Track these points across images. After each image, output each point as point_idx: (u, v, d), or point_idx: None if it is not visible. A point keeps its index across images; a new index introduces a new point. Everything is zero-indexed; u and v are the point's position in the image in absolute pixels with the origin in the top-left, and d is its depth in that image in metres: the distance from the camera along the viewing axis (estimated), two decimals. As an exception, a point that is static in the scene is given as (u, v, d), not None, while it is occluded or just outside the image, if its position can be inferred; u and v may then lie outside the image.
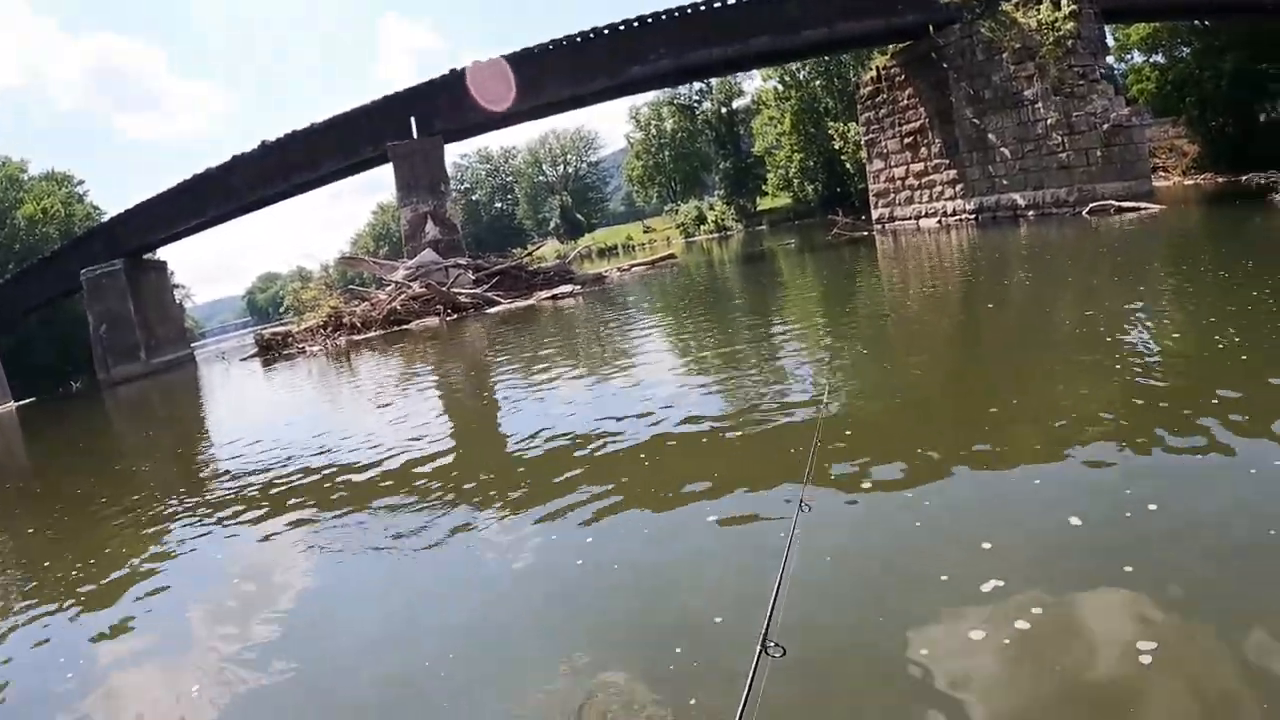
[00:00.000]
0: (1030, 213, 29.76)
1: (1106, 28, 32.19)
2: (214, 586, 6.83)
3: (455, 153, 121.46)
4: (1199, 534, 4.43)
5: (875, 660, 3.82)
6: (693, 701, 3.71)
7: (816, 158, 70.00)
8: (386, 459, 9.90)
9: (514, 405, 12.42)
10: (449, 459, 9.58)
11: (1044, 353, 9.75)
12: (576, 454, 8.44)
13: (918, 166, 36.99)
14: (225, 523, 8.71)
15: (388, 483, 8.83)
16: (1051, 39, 28.17)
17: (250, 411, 20.12)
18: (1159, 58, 42.25)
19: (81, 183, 56.01)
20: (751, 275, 32.73)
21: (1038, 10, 28.76)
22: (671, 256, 49.18)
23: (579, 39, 35.31)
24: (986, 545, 4.60)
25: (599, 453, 8.31)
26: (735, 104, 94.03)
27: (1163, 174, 37.55)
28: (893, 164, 38.99)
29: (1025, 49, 29.13)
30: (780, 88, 73.56)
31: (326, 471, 10.04)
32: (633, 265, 45.31)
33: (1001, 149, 30.99)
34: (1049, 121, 28.70)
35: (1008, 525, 4.94)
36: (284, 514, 8.50)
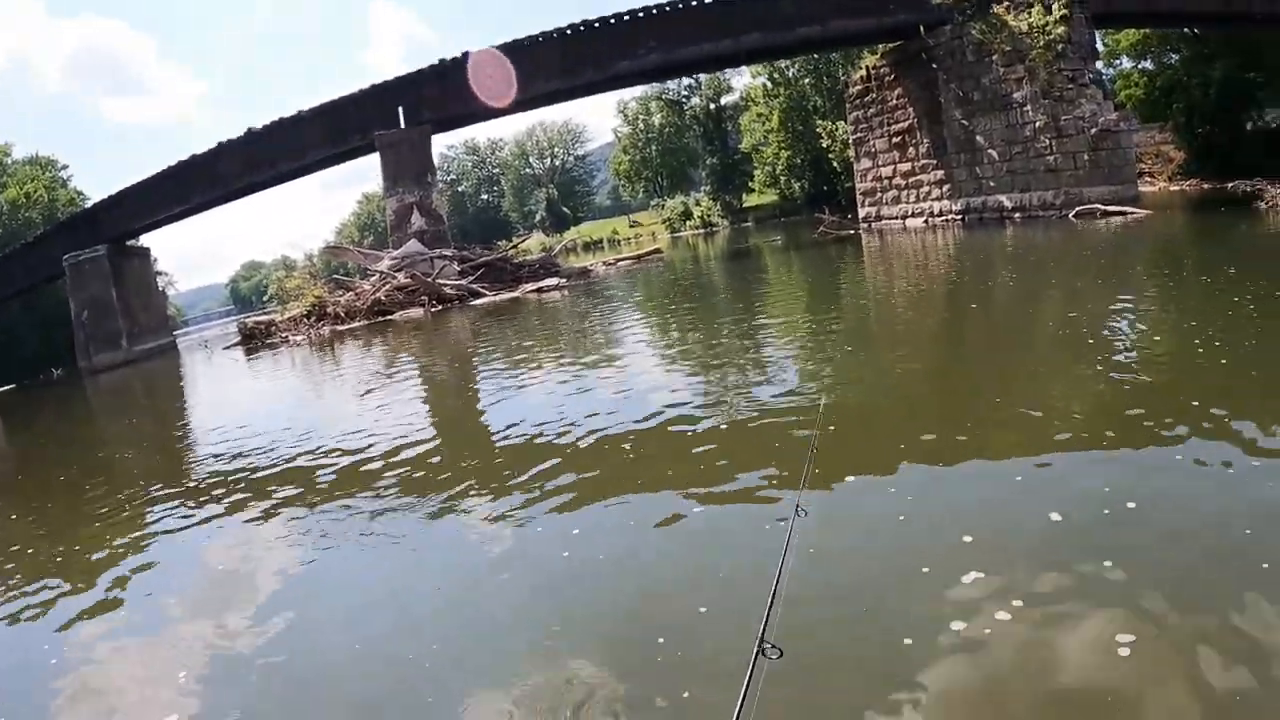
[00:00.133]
0: (1016, 215, 29.87)
1: (1097, 33, 32.35)
2: (198, 574, 6.83)
3: (442, 144, 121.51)
4: (1177, 532, 4.51)
5: (868, 659, 3.87)
6: (686, 695, 3.73)
7: (804, 155, 70.08)
8: (370, 449, 9.88)
9: (498, 397, 12.40)
10: (433, 450, 9.57)
11: (1027, 353, 9.84)
12: (561, 447, 8.43)
13: (905, 166, 37.07)
14: (209, 511, 8.68)
15: (372, 473, 8.81)
16: (1042, 42, 28.28)
17: (233, 400, 20.01)
18: (1148, 64, 42.52)
19: (65, 167, 55.48)
20: (738, 272, 32.75)
21: (1029, 13, 28.89)
22: (657, 252, 49.15)
23: (569, 31, 35.12)
24: (968, 539, 4.65)
25: (584, 446, 8.32)
26: (723, 100, 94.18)
27: (1149, 179, 37.72)
28: (880, 163, 39.07)
29: (1015, 52, 29.22)
30: (769, 85, 73.54)
31: (311, 461, 10.02)
32: (618, 260, 45.33)
33: (989, 151, 31.09)
34: (1037, 124, 28.80)
35: (990, 520, 4.99)
36: (268, 503, 8.48)
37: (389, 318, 32.18)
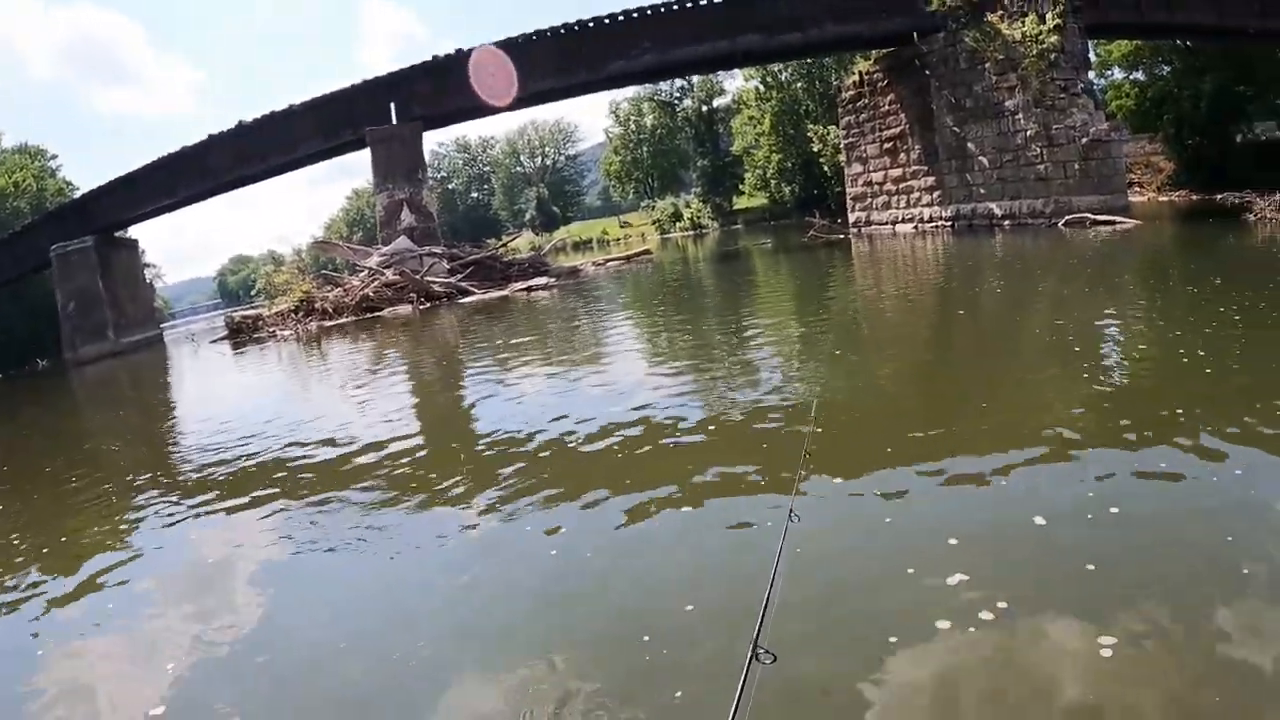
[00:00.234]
0: (1006, 222, 30.00)
1: (1089, 43, 32.50)
2: (181, 570, 6.80)
3: (433, 140, 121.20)
4: (1159, 537, 4.58)
5: (855, 661, 3.88)
6: (679, 694, 3.74)
7: (794, 159, 70.20)
8: (357, 446, 9.87)
9: (486, 395, 12.40)
10: (420, 446, 9.58)
11: (1014, 360, 9.91)
12: (549, 446, 8.45)
13: (896, 172, 37.18)
14: (195, 504, 8.65)
15: (358, 470, 8.81)
16: (1035, 51, 28.42)
17: (220, 395, 19.94)
18: (1139, 75, 42.72)
19: (55, 157, 55.23)
20: (727, 274, 32.79)
21: (1022, 22, 29.02)
22: (647, 253, 49.09)
23: (563, 30, 35.08)
24: (953, 541, 4.69)
25: (571, 445, 8.33)
26: (716, 102, 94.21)
27: (1138, 189, 37.91)
28: (871, 168, 39.15)
29: (1008, 60, 29.38)
30: (761, 88, 73.66)
31: (297, 457, 9.99)
32: (608, 260, 45.27)
33: (980, 158, 31.21)
34: (1028, 133, 28.96)
35: (975, 524, 5.03)
36: (255, 498, 8.44)
37: (377, 314, 32.11)
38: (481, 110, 37.73)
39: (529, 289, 32.35)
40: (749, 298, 21.96)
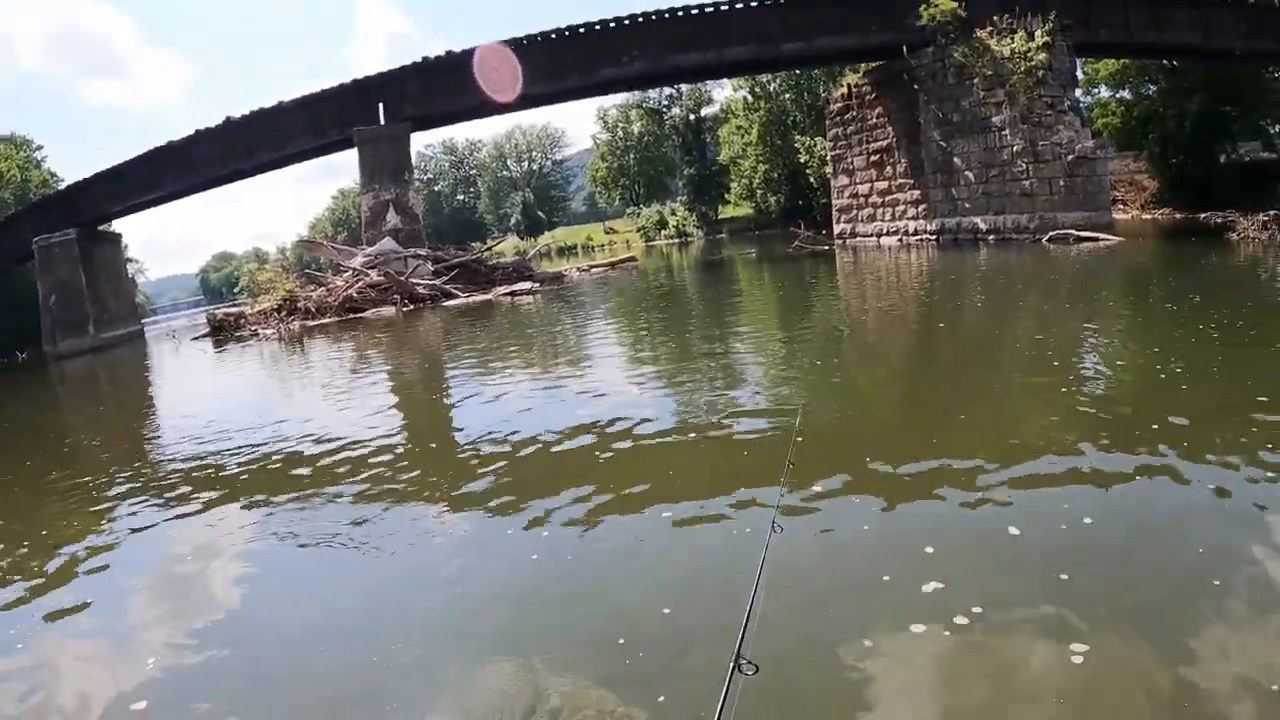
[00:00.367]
0: (991, 237, 30.19)
1: (1077, 61, 32.75)
2: (162, 566, 6.78)
3: (419, 142, 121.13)
4: (1132, 548, 4.65)
5: (836, 666, 3.91)
6: (661, 699, 3.76)
7: (781, 170, 70.29)
8: (337, 446, 9.85)
9: (468, 399, 12.39)
10: (401, 449, 9.56)
11: (994, 373, 9.99)
12: (531, 452, 8.47)
13: (882, 185, 37.37)
14: (175, 502, 8.63)
15: (338, 471, 8.79)
16: (1023, 68, 28.65)
17: (201, 392, 19.85)
18: (1126, 93, 43.09)
19: (40, 148, 54.98)
20: (712, 282, 32.82)
21: (1011, 39, 29.24)
22: (632, 259, 49.14)
23: (554, 36, 35.18)
24: (929, 550, 4.74)
25: (554, 451, 8.36)
26: (704, 111, 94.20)
27: (1122, 207, 38.23)
28: (857, 181, 39.34)
29: (996, 76, 29.60)
30: (750, 98, 73.71)
31: (279, 455, 9.99)
32: (593, 266, 45.31)
33: (966, 173, 31.41)
34: (1015, 149, 29.17)
35: (950, 533, 5.09)
36: (236, 496, 8.45)
37: (361, 315, 32.03)
38: (471, 113, 37.77)
39: (513, 293, 32.36)
40: (733, 307, 22.02)
